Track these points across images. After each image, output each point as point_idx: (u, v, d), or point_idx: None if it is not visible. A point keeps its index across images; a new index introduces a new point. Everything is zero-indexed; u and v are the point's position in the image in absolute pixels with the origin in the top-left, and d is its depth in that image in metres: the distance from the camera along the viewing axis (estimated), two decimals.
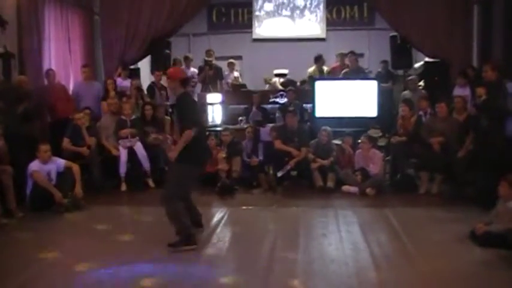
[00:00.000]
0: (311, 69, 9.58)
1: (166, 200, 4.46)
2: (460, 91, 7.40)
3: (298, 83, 9.70)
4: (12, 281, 3.82)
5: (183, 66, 9.63)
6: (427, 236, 4.79)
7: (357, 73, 9.02)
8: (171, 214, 4.45)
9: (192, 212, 4.76)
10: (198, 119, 4.71)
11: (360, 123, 7.82)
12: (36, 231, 5.14)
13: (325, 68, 9.56)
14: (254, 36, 12.57)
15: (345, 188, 6.81)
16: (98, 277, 3.90)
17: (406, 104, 7.28)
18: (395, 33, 8.81)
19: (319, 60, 9.54)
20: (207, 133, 7.27)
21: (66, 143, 6.84)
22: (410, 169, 7.03)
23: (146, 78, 9.49)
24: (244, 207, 6.08)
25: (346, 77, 8.90)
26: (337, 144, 7.33)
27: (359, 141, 7.10)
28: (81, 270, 4.02)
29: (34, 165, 5.87)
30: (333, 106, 8.15)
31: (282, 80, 9.89)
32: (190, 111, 4.53)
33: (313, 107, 8.28)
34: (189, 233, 4.47)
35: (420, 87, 8.57)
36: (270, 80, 10.26)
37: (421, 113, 7.17)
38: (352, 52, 9.28)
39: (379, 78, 8.92)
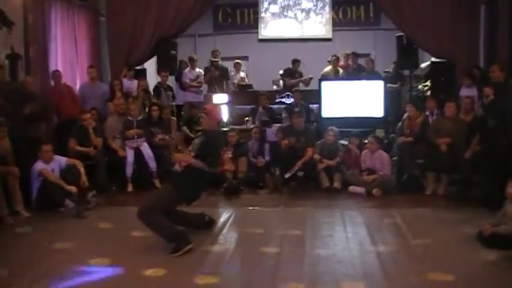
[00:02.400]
0: (327, 69, 9.56)
1: (143, 213, 4.36)
2: (467, 91, 7.38)
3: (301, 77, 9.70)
4: (27, 276, 3.89)
5: (189, 67, 9.67)
6: (434, 237, 4.77)
7: (358, 72, 9.05)
8: (152, 224, 4.38)
9: (188, 218, 4.79)
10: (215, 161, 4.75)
11: (367, 124, 7.82)
12: (44, 230, 5.17)
13: (340, 70, 9.56)
14: (260, 37, 12.61)
15: (351, 188, 6.81)
16: (108, 273, 3.96)
17: (412, 104, 7.27)
18: (401, 33, 8.80)
19: (334, 61, 9.55)
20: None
21: (72, 143, 6.87)
22: (417, 170, 7.01)
23: (152, 79, 9.52)
24: (250, 208, 6.09)
25: (352, 77, 8.90)
26: (343, 145, 7.33)
27: (365, 141, 7.10)
28: (93, 265, 4.11)
29: (39, 165, 5.90)
30: (339, 106, 8.17)
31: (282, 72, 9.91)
32: (215, 153, 4.70)
33: (320, 107, 8.30)
34: (178, 232, 4.43)
35: (426, 88, 8.56)
36: (278, 82, 10.27)
37: (427, 113, 7.16)
38: (353, 53, 9.34)
39: (387, 78, 8.91)
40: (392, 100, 8.42)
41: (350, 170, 6.98)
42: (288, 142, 7.03)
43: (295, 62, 9.82)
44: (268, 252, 4.44)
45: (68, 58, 8.30)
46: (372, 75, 8.91)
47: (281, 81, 10.12)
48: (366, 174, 6.76)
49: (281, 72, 10.02)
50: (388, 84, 8.58)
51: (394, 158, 7.16)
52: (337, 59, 9.64)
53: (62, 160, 6.14)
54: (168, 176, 4.65)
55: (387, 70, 9.51)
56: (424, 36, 8.39)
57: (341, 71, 9.55)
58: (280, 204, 6.26)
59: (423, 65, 9.49)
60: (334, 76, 9.38)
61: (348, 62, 9.46)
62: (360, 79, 8.58)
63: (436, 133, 6.66)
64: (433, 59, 8.66)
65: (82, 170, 6.12)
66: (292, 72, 9.77)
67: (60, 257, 4.34)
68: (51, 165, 6.00)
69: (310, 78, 9.70)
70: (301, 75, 9.79)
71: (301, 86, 9.57)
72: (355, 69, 9.21)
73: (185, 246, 4.35)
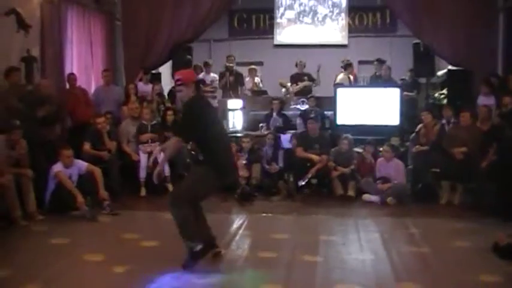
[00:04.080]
0: (340, 76, 9.58)
1: (174, 202, 4.00)
2: (485, 100, 7.34)
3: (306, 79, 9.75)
4: (40, 276, 3.96)
5: (203, 72, 9.75)
6: (449, 247, 4.77)
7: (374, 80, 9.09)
8: (179, 219, 4.00)
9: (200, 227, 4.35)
10: (212, 126, 4.12)
11: (382, 132, 7.83)
12: (57, 233, 5.22)
13: (351, 77, 9.60)
14: (275, 42, 12.64)
15: (366, 196, 6.81)
16: (119, 277, 4.02)
17: (428, 112, 7.27)
18: (418, 41, 8.80)
19: (348, 67, 9.57)
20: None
21: (86, 146, 6.94)
22: (432, 179, 6.99)
23: (167, 83, 9.62)
24: (263, 214, 6.12)
25: (369, 84, 8.92)
26: (358, 153, 7.35)
27: (380, 149, 7.10)
28: (116, 272, 4.15)
29: (57, 167, 5.96)
30: (354, 114, 8.19)
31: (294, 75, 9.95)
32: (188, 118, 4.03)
33: (335, 114, 8.33)
34: (200, 237, 4.11)
35: (443, 96, 8.55)
36: (286, 84, 10.31)
37: (444, 121, 7.15)
38: (379, 60, 9.38)
39: (403, 86, 8.91)
40: (408, 108, 8.41)
41: (364, 178, 6.98)
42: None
43: (300, 65, 9.85)
44: (280, 259, 4.46)
45: (83, 61, 8.38)
46: (388, 82, 8.91)
47: (283, 90, 10.18)
48: (381, 182, 6.76)
49: (281, 81, 10.06)
50: (404, 92, 8.58)
51: (409, 167, 7.16)
52: (351, 64, 9.65)
53: (82, 166, 6.19)
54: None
55: (403, 78, 9.52)
56: (441, 43, 8.38)
57: (350, 78, 9.56)
58: (293, 211, 6.28)
59: (440, 73, 9.48)
60: (349, 83, 9.38)
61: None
62: (376, 86, 8.59)
63: (451, 142, 6.64)
64: (450, 67, 8.64)
65: (100, 181, 6.15)
66: (299, 76, 9.81)
67: (73, 260, 4.41)
68: (70, 170, 6.07)
69: (318, 69, 9.72)
70: (310, 77, 9.82)
71: (314, 86, 9.61)
72: (371, 76, 9.21)
73: (208, 252, 4.15)
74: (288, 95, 9.68)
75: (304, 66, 9.93)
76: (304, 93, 9.44)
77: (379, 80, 9.08)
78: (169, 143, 4.06)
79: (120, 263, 4.27)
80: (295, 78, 9.82)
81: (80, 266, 4.31)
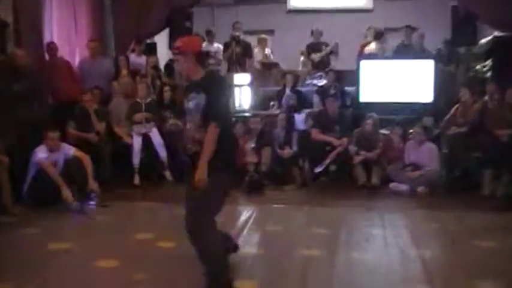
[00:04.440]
0: (371, 46, 9.43)
1: (199, 230, 3.56)
2: None
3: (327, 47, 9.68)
4: (32, 278, 3.96)
5: (206, 42, 9.70)
6: (490, 247, 4.72)
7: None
8: (206, 249, 3.59)
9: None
10: (229, 109, 3.96)
11: (412, 110, 7.79)
12: (41, 228, 5.25)
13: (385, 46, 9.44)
14: (289, 7, 12.55)
15: (393, 185, 6.80)
16: (118, 273, 4.08)
17: (468, 88, 7.18)
18: (456, 3, 8.64)
19: (380, 36, 9.41)
20: (234, 120, 7.33)
21: (71, 128, 6.98)
22: (472, 165, 6.93)
23: (164, 55, 9.58)
24: (274, 206, 6.13)
25: (398, 55, 8.81)
26: (384, 135, 7.32)
27: (410, 131, 7.06)
28: (102, 266, 4.19)
29: (41, 152, 5.93)
30: (380, 90, 8.14)
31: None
32: (223, 99, 3.70)
33: (357, 90, 8.29)
34: (226, 281, 3.72)
35: (486, 68, 8.41)
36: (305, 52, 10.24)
37: (486, 98, 7.06)
38: (408, 26, 9.23)
39: (439, 57, 8.78)
40: (444, 83, 8.30)
41: (391, 165, 6.97)
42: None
43: (316, 32, 9.78)
44: (294, 256, 4.46)
45: (65, 29, 8.32)
46: (421, 53, 8.79)
47: (302, 59, 10.08)
48: (411, 169, 6.74)
49: (302, 49, 9.99)
50: (440, 64, 8.45)
51: (444, 151, 7.10)
52: (382, 34, 9.51)
53: (69, 150, 6.19)
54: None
55: (439, 48, 9.37)
56: (485, 5, 8.21)
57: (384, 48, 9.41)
58: (308, 202, 6.29)
59: (483, 41, 9.30)
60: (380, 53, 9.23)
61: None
62: (406, 58, 8.49)
63: (496, 122, 6.57)
64: (496, 33, 8.49)
65: (90, 168, 6.16)
66: (316, 46, 9.73)
67: (62, 260, 4.42)
68: (56, 155, 6.07)
69: (336, 44, 9.69)
70: (327, 46, 9.76)
71: (334, 60, 9.54)
72: (398, 46, 9.08)
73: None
74: (305, 68, 9.63)
75: (321, 35, 9.85)
76: (323, 66, 9.36)
77: (408, 50, 8.95)
78: (210, 136, 3.53)
79: (109, 257, 4.31)
80: (311, 49, 9.73)
81: (58, 260, 4.33)
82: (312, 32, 9.88)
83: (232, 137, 3.83)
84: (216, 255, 3.63)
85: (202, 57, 3.81)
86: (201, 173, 3.50)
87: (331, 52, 9.74)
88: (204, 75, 3.72)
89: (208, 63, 9.28)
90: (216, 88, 3.65)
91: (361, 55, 9.23)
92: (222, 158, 3.56)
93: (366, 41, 9.61)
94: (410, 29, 9.29)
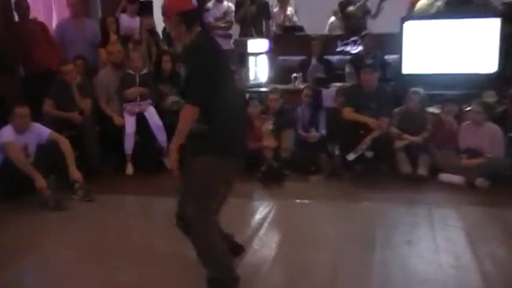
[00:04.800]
0: (422, 2, 9.28)
1: (194, 226, 3.73)
2: None
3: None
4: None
5: (213, 1, 9.67)
6: None
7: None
8: (203, 246, 3.77)
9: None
10: (224, 84, 3.81)
11: (470, 84, 7.71)
12: (10, 232, 5.26)
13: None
14: None
15: (445, 176, 6.75)
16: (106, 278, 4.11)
17: None
18: None
19: None
20: (247, 98, 7.31)
21: (48, 106, 7.01)
22: None
23: (161, 16, 9.56)
24: (297, 201, 6.13)
25: (451, 13, 8.69)
26: (433, 114, 7.27)
27: (467, 109, 7.00)
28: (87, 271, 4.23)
29: (7, 134, 5.95)
30: (428, 58, 8.09)
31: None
32: (203, 71, 3.65)
33: (400, 59, 8.24)
34: (230, 278, 3.85)
35: None
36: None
37: None
38: None
39: (506, 15, 8.60)
40: (510, 48, 8.19)
41: (443, 151, 6.93)
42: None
43: None
44: (320, 262, 4.48)
45: None
46: (483, 9, 8.65)
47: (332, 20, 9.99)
48: (467, 156, 6.70)
49: (335, 8, 9.92)
50: (508, 24, 8.31)
51: (511, 135, 7.04)
52: None
53: (43, 133, 6.20)
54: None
55: (505, 1, 9.21)
56: None
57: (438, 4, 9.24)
58: (339, 196, 6.28)
59: None
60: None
61: None
62: (462, 17, 8.38)
63: None
64: None
65: (70, 155, 6.14)
66: (350, 4, 9.68)
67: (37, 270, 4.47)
68: (26, 137, 6.08)
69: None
70: (365, 7, 9.67)
71: (371, 17, 9.51)
72: (447, 1, 8.92)
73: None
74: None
75: None
76: (358, 28, 9.29)
77: (466, 6, 8.78)
78: (182, 117, 3.65)
79: (95, 260, 4.34)
80: (344, 5, 9.66)
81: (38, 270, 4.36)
82: None
83: (230, 115, 3.78)
84: (216, 258, 3.75)
85: (189, 17, 3.76)
86: (171, 160, 3.65)
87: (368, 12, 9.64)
88: (188, 41, 3.76)
89: (214, 25, 9.29)
90: (192, 58, 3.70)
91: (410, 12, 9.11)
92: (213, 140, 3.64)
93: None
94: None
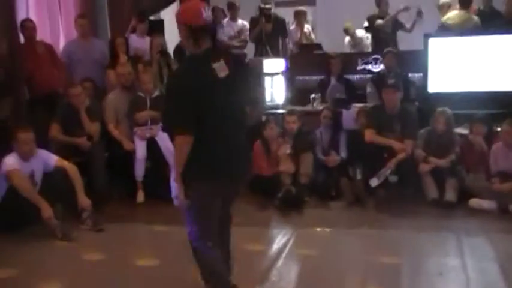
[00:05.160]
0: (452, 14, 9.22)
1: (194, 248, 4.03)
2: None
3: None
4: None
5: (227, 18, 9.73)
6: None
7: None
8: (205, 271, 4.07)
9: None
10: (208, 108, 3.81)
11: (499, 103, 7.70)
12: (18, 266, 5.22)
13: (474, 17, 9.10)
14: None
15: (475, 202, 6.70)
16: None
17: None
18: None
19: (469, 1, 9.04)
20: (264, 118, 7.31)
21: (55, 131, 7.03)
22: None
23: (173, 35, 9.62)
24: (318, 229, 6.12)
25: (479, 31, 8.69)
26: (461, 135, 7.24)
27: (498, 130, 6.97)
28: None
29: (11, 161, 5.94)
30: (455, 76, 8.09)
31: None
32: (181, 103, 3.73)
33: (425, 77, 8.26)
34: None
35: None
36: (353, 30, 10.15)
37: None
38: None
39: None
40: None
41: (472, 174, 6.91)
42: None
43: (381, 1, 9.69)
44: None
45: (46, 3, 8.43)
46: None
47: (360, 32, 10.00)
48: (498, 180, 6.64)
49: (366, 24, 9.93)
50: None
51: None
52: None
53: (49, 160, 6.21)
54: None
55: None
56: None
57: (475, 19, 9.12)
58: (362, 223, 6.26)
59: None
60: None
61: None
62: (490, 33, 8.38)
63: None
64: None
65: (78, 182, 6.17)
66: (379, 17, 9.70)
67: None
68: (32, 164, 6.09)
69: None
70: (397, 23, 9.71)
71: (407, 31, 9.52)
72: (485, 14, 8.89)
73: None
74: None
75: (387, 5, 9.72)
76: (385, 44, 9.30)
77: (493, 20, 8.77)
78: (176, 148, 3.81)
79: None
80: (375, 19, 9.72)
81: None
82: (379, 2, 9.71)
83: (215, 139, 3.85)
84: (216, 277, 3.99)
85: (197, 32, 3.81)
86: (177, 191, 3.81)
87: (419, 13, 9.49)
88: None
89: (227, 43, 9.32)
90: (170, 87, 3.94)
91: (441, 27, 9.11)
92: (195, 166, 3.76)
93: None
94: None
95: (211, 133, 3.80)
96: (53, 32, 8.48)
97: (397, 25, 9.68)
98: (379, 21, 9.60)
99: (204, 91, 3.74)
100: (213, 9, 9.80)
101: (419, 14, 9.41)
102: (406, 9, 9.48)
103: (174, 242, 5.63)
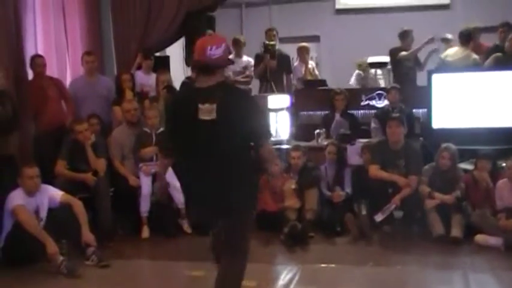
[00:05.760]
0: (452, 50, 9.31)
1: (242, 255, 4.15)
2: None
3: None
4: None
5: (232, 54, 9.82)
6: None
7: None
8: (238, 278, 4.13)
9: None
10: (185, 134, 4.05)
11: (504, 139, 7.72)
12: None
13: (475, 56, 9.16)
14: (338, 6, 12.63)
15: (481, 238, 6.69)
16: None
17: None
18: None
19: (469, 39, 9.13)
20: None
21: (61, 167, 7.06)
22: None
23: (179, 71, 9.71)
24: (323, 265, 6.10)
25: (482, 67, 8.75)
26: (466, 171, 7.27)
27: (503, 165, 7.01)
28: None
29: (17, 197, 6.00)
30: (459, 112, 8.12)
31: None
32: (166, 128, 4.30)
33: (429, 113, 8.30)
34: None
35: None
36: (366, 66, 10.23)
37: None
38: (506, 24, 9.19)
39: None
40: None
41: (478, 210, 6.89)
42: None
43: (405, 34, 9.72)
44: None
45: (53, 39, 8.51)
46: None
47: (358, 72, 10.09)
48: (505, 216, 6.64)
49: (370, 61, 10.00)
50: None
51: None
52: (477, 30, 9.36)
53: (55, 196, 6.27)
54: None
55: None
56: None
57: (474, 56, 9.22)
58: (368, 259, 6.23)
59: None
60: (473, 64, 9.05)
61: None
62: (495, 69, 8.46)
63: None
64: None
65: (83, 218, 6.22)
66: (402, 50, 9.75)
67: None
68: (37, 199, 6.14)
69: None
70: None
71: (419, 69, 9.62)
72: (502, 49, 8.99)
73: None
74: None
75: (410, 38, 9.77)
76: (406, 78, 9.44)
77: (500, 57, 8.85)
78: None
79: None
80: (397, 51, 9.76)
81: None
82: (402, 35, 9.77)
83: (187, 167, 4.15)
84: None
85: (198, 68, 4.05)
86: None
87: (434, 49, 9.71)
88: None
89: (232, 79, 9.40)
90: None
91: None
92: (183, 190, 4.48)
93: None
94: (508, 27, 9.20)
95: (187, 164, 4.11)
96: (59, 68, 8.54)
97: (416, 62, 9.80)
98: (403, 53, 9.65)
99: (179, 125, 4.01)
100: None
101: (431, 41, 9.57)
102: (431, 41, 9.59)
103: (179, 277, 5.69)
